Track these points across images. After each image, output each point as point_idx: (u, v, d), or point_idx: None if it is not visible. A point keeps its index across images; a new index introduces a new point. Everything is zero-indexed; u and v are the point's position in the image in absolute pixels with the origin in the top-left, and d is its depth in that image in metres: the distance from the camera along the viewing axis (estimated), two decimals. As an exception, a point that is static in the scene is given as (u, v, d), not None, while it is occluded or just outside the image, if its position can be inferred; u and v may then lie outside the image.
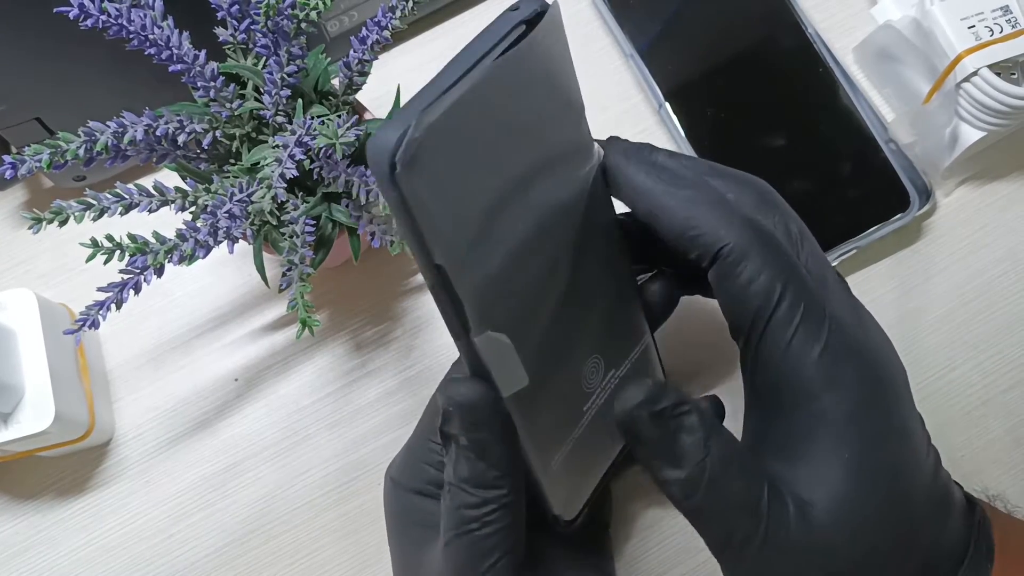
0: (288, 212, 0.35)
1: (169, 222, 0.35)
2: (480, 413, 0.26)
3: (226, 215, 0.33)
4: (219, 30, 0.35)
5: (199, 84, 0.34)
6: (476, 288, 0.25)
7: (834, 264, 0.44)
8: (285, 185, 0.33)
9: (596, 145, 0.28)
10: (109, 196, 0.33)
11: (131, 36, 0.32)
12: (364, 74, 0.37)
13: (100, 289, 0.32)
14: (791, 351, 0.27)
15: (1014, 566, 0.29)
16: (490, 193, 0.24)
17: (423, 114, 0.22)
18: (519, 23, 0.24)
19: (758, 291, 0.27)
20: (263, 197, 0.33)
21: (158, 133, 0.34)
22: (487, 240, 0.25)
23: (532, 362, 0.27)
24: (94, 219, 0.33)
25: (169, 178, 0.38)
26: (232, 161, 0.37)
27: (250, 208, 0.33)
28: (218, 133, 0.36)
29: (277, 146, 0.33)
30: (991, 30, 0.42)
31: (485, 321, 0.25)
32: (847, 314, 0.29)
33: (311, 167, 0.35)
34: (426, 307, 0.46)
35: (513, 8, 0.25)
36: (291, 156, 0.32)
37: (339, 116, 0.35)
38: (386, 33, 0.35)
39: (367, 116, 0.40)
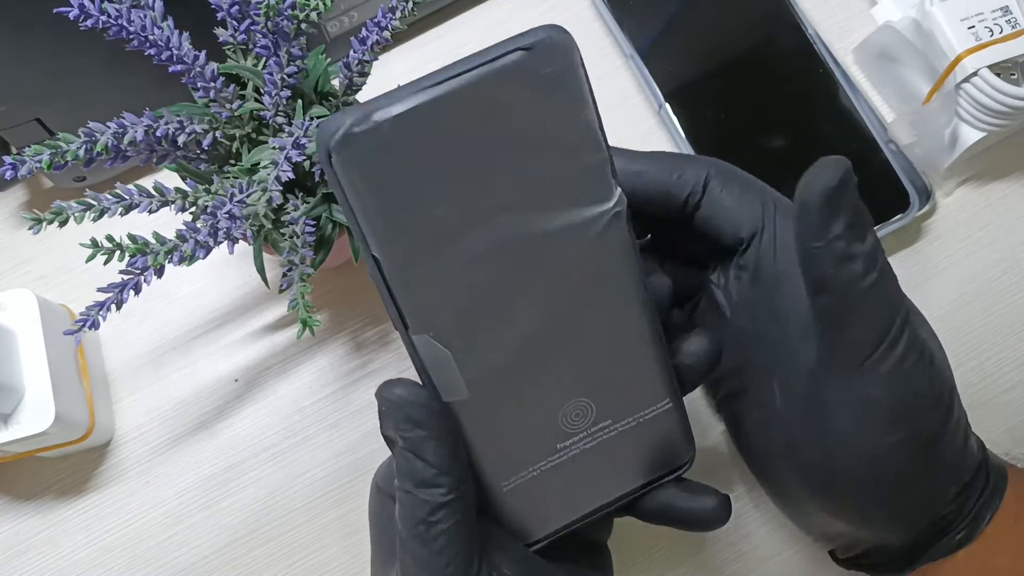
0: (288, 213, 0.35)
1: (169, 223, 0.35)
2: (413, 411, 0.26)
3: (226, 216, 0.33)
4: (219, 31, 0.35)
5: (199, 85, 0.34)
6: (415, 290, 0.25)
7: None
8: (281, 188, 0.33)
9: (619, 191, 0.26)
10: (109, 197, 0.33)
11: (131, 37, 0.32)
12: (364, 75, 0.37)
13: (100, 290, 0.32)
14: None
15: None
16: (448, 206, 0.25)
17: (373, 109, 0.23)
18: (518, 48, 0.24)
19: (752, 199, 0.30)
20: (258, 200, 0.33)
21: (158, 134, 0.34)
22: (437, 249, 0.25)
23: (487, 380, 0.27)
24: (94, 220, 0.33)
25: (169, 179, 0.38)
26: (232, 162, 0.37)
27: (246, 211, 0.33)
28: (218, 134, 0.36)
29: (275, 148, 0.33)
30: (991, 31, 0.42)
31: (424, 325, 0.26)
32: None
33: (311, 168, 0.35)
34: (426, 308, 0.46)
35: (521, 34, 0.24)
36: (287, 158, 0.32)
37: (339, 117, 0.35)
38: (386, 34, 0.35)
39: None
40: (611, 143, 0.26)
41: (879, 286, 0.27)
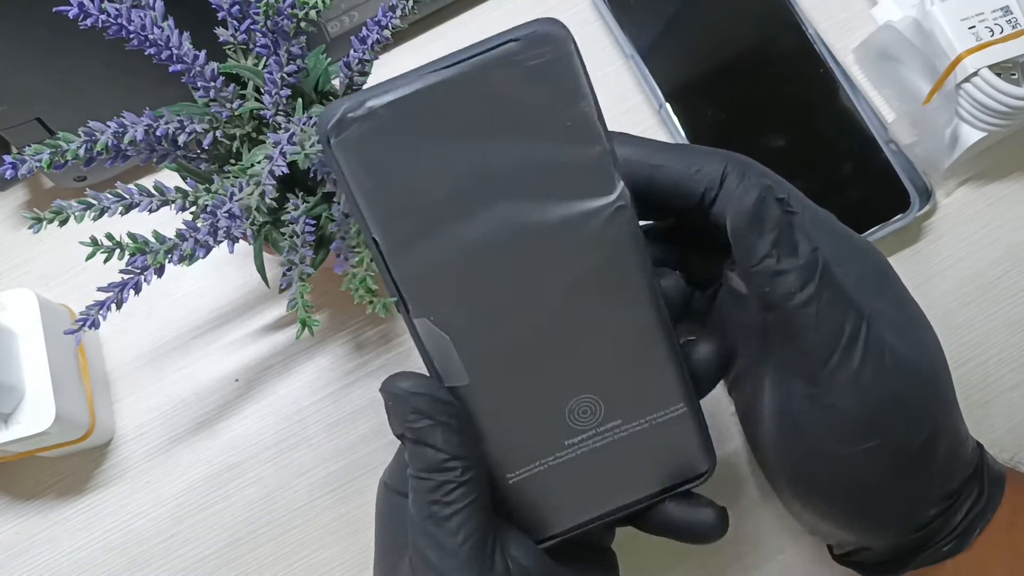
0: (288, 212, 0.35)
1: (169, 222, 0.35)
2: (418, 402, 0.26)
3: (226, 215, 0.33)
4: (219, 30, 0.35)
5: (199, 84, 0.34)
6: (415, 275, 0.26)
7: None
8: (274, 183, 0.32)
9: (622, 185, 0.27)
10: (109, 196, 0.33)
11: (131, 36, 0.32)
12: (365, 74, 0.37)
13: (100, 289, 0.32)
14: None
15: None
16: (445, 192, 0.25)
17: (369, 96, 0.25)
18: (510, 39, 0.25)
19: (768, 193, 0.29)
20: (251, 194, 0.33)
21: (158, 133, 0.34)
22: (434, 234, 0.26)
23: (487, 368, 0.27)
24: (94, 219, 0.33)
25: (169, 178, 0.38)
26: (232, 161, 0.37)
27: (238, 202, 0.33)
28: (218, 133, 0.36)
29: (273, 144, 0.33)
30: (991, 31, 0.42)
31: (424, 308, 0.27)
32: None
33: (308, 166, 0.35)
34: (426, 307, 0.46)
35: (517, 27, 0.25)
36: (283, 153, 0.32)
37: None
38: (386, 33, 0.35)
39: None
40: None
41: (819, 297, 0.27)
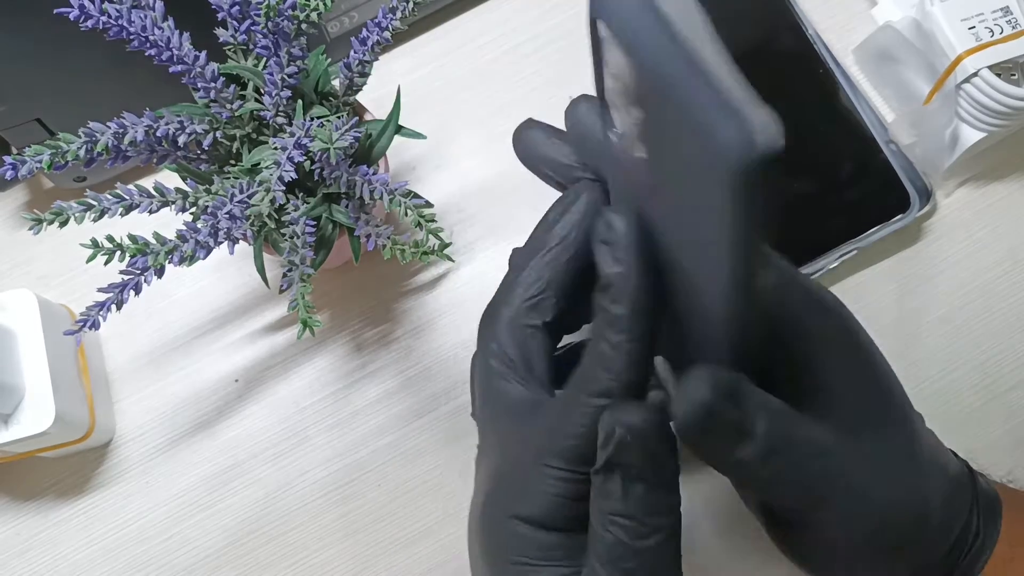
0: (289, 213, 0.35)
1: (169, 223, 0.35)
2: (653, 435, 0.25)
3: (226, 216, 0.33)
4: (220, 31, 0.35)
5: (200, 85, 0.34)
6: None
7: (834, 265, 0.44)
8: (283, 188, 0.33)
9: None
10: (109, 197, 0.33)
11: (132, 37, 0.32)
12: (365, 75, 0.37)
13: (100, 290, 0.32)
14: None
15: None
16: None
17: None
18: None
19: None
20: (262, 200, 0.33)
21: (159, 134, 0.34)
22: None
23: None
24: (94, 220, 0.33)
25: (169, 179, 0.38)
26: (232, 162, 0.37)
27: (249, 211, 0.33)
28: (218, 134, 0.36)
29: (276, 148, 0.33)
30: (991, 31, 0.42)
31: None
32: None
33: (312, 168, 0.35)
34: (426, 308, 0.46)
35: None
36: (290, 159, 0.32)
37: (339, 117, 0.35)
38: (387, 34, 0.35)
39: (367, 117, 0.40)
40: None
41: (781, 469, 0.26)
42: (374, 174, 0.35)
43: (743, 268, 0.22)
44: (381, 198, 0.35)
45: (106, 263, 0.32)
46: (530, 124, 0.29)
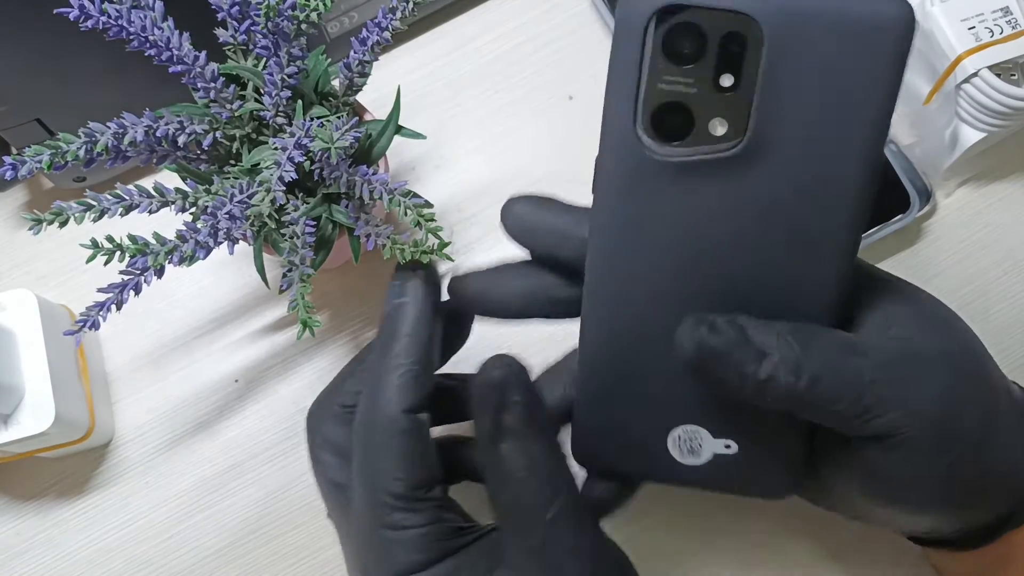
0: (289, 213, 0.35)
1: (169, 223, 0.35)
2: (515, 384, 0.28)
3: (226, 216, 0.33)
4: (219, 31, 0.35)
5: (199, 85, 0.34)
6: None
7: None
8: (284, 188, 0.33)
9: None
10: (109, 197, 0.33)
11: (131, 37, 0.32)
12: (364, 75, 0.37)
13: (100, 290, 0.32)
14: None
15: None
16: None
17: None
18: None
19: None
20: (262, 200, 0.33)
21: (158, 134, 0.34)
22: None
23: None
24: (94, 220, 0.33)
25: (169, 179, 0.38)
26: (232, 162, 0.37)
27: (249, 211, 0.33)
28: (218, 134, 0.36)
29: (276, 148, 0.33)
30: (991, 31, 0.42)
31: None
32: None
33: (312, 168, 0.35)
34: (426, 308, 0.46)
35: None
36: (290, 159, 0.32)
37: (339, 118, 0.35)
38: (386, 34, 0.35)
39: (367, 117, 0.40)
40: None
41: (816, 368, 0.27)
42: (374, 174, 0.35)
43: (883, 133, 0.26)
44: (381, 198, 0.35)
45: (106, 263, 0.32)
46: (517, 199, 0.31)
